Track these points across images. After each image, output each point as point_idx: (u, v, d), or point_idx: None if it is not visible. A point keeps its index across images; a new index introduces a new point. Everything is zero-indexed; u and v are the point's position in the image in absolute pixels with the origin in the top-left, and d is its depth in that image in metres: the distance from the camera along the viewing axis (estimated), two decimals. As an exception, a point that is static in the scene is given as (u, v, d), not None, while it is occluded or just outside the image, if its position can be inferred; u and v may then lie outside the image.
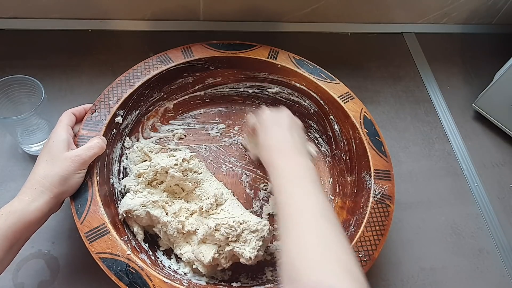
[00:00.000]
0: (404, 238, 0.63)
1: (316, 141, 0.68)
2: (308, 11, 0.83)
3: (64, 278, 0.54)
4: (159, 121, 0.66)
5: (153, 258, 0.52)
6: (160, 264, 0.52)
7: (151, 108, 0.65)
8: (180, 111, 0.68)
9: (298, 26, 0.85)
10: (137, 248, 0.51)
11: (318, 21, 0.85)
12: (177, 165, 0.56)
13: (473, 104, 0.78)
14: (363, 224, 0.53)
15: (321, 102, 0.66)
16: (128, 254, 0.47)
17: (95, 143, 0.52)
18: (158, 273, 0.47)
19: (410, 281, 0.60)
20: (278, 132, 0.53)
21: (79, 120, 0.56)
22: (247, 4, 0.80)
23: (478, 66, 0.87)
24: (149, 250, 0.53)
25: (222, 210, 0.56)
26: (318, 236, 0.40)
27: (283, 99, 0.70)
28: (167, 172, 0.55)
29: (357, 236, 0.52)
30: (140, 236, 0.54)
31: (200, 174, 0.58)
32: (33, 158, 0.63)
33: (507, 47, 0.89)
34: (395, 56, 0.86)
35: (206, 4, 0.79)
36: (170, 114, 0.67)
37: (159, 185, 0.56)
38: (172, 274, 0.51)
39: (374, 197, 0.56)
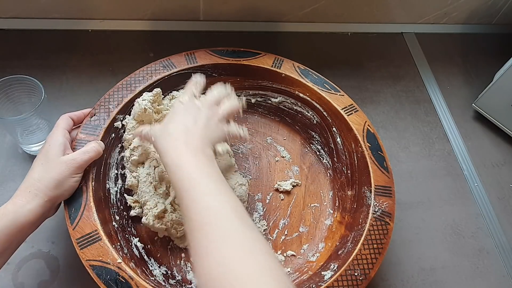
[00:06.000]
0: (404, 238, 0.63)
1: (318, 153, 0.67)
2: (308, 11, 0.83)
3: (64, 278, 0.54)
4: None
5: (144, 268, 0.51)
6: (151, 274, 0.52)
7: (151, 113, 0.64)
8: (181, 117, 0.68)
9: (298, 26, 0.85)
10: (128, 256, 0.50)
11: (318, 21, 0.85)
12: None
13: (473, 104, 0.78)
14: (361, 241, 0.52)
15: (324, 113, 0.65)
16: (119, 262, 0.46)
17: (91, 147, 0.52)
18: (148, 283, 0.46)
19: (410, 281, 0.60)
20: (182, 122, 0.48)
21: (76, 124, 0.56)
22: (247, 4, 0.80)
23: (478, 66, 0.87)
24: (141, 258, 0.53)
25: None
26: (241, 245, 0.37)
27: (286, 108, 0.69)
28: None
29: (354, 253, 0.51)
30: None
31: None
32: (33, 158, 0.62)
33: (507, 47, 0.89)
34: (395, 56, 0.86)
35: (206, 4, 0.79)
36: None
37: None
38: (163, 284, 0.51)
39: (374, 213, 0.54)
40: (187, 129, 0.47)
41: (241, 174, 0.60)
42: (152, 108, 0.58)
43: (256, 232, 0.39)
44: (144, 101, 0.57)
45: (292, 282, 0.36)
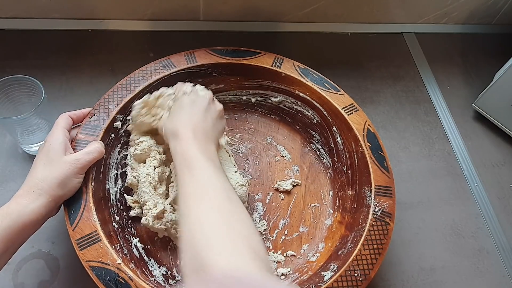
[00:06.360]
0: (404, 238, 0.63)
1: (318, 152, 0.67)
2: (308, 11, 0.83)
3: (64, 278, 0.54)
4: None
5: (144, 269, 0.51)
6: (150, 274, 0.51)
7: (151, 113, 0.64)
8: (181, 117, 0.68)
9: (298, 26, 0.85)
10: (128, 256, 0.50)
11: (318, 21, 0.85)
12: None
13: (473, 104, 0.78)
14: (361, 241, 0.52)
15: (325, 113, 0.65)
16: (119, 263, 0.46)
17: (94, 148, 0.52)
18: (148, 284, 0.46)
19: (410, 281, 0.60)
20: (190, 114, 0.51)
21: (76, 123, 0.56)
22: (247, 4, 0.80)
23: (478, 66, 0.87)
24: (141, 259, 0.53)
25: None
26: (221, 215, 0.40)
27: (286, 108, 0.69)
28: None
29: (354, 254, 0.51)
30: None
31: None
32: (33, 158, 0.62)
33: (507, 47, 0.89)
34: (395, 56, 0.86)
35: (206, 4, 0.79)
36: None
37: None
38: (163, 285, 0.51)
39: (374, 214, 0.54)
40: (196, 122, 0.50)
41: (241, 174, 0.60)
42: (145, 117, 0.56)
43: (240, 207, 0.43)
44: (141, 117, 0.56)
45: (266, 253, 0.39)
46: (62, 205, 0.50)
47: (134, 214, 0.55)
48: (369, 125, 0.61)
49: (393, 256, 0.61)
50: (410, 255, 0.62)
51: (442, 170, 0.71)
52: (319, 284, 0.49)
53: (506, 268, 0.63)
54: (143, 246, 0.55)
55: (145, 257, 0.54)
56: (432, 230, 0.65)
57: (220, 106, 0.56)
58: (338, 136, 0.64)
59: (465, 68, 0.86)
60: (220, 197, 0.42)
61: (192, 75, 0.64)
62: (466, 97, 0.82)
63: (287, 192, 0.63)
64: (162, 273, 0.53)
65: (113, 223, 0.53)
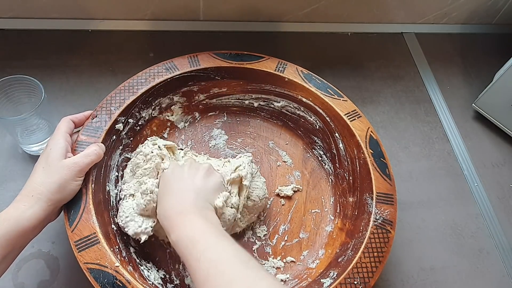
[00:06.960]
0: (404, 238, 0.63)
1: (320, 158, 0.67)
2: (308, 11, 0.83)
3: (64, 278, 0.54)
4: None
5: (142, 272, 0.51)
6: (148, 277, 0.51)
7: (153, 115, 0.64)
8: (183, 120, 0.67)
9: (298, 26, 0.85)
10: (126, 259, 0.50)
11: (318, 21, 0.85)
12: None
13: (473, 104, 0.78)
14: (361, 249, 0.51)
15: (327, 118, 0.64)
16: (117, 266, 0.46)
17: (92, 150, 0.52)
18: (145, 287, 0.46)
19: (410, 281, 0.60)
20: (176, 194, 0.50)
21: (78, 126, 0.55)
22: (247, 4, 0.80)
23: (478, 66, 0.87)
24: (139, 263, 0.52)
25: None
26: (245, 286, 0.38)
27: (288, 113, 0.68)
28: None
29: (354, 261, 0.50)
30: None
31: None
32: (33, 158, 0.63)
33: (507, 47, 0.89)
34: (395, 56, 0.86)
35: (206, 4, 0.79)
36: (172, 122, 0.67)
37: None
38: None
39: (375, 221, 0.53)
40: (181, 203, 0.49)
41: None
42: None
43: (261, 271, 0.40)
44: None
45: None
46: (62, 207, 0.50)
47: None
48: (371, 131, 0.61)
49: (393, 256, 0.61)
50: (410, 255, 0.62)
51: (442, 170, 0.71)
52: (318, 291, 0.49)
53: (506, 268, 0.63)
54: (139, 248, 0.54)
55: (144, 260, 0.54)
56: (432, 230, 0.65)
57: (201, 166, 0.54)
58: (340, 142, 0.63)
59: (465, 68, 0.86)
60: (234, 270, 0.40)
61: (195, 78, 0.64)
62: (466, 97, 0.82)
63: (288, 198, 0.63)
64: (161, 277, 0.53)
65: (112, 225, 0.53)
